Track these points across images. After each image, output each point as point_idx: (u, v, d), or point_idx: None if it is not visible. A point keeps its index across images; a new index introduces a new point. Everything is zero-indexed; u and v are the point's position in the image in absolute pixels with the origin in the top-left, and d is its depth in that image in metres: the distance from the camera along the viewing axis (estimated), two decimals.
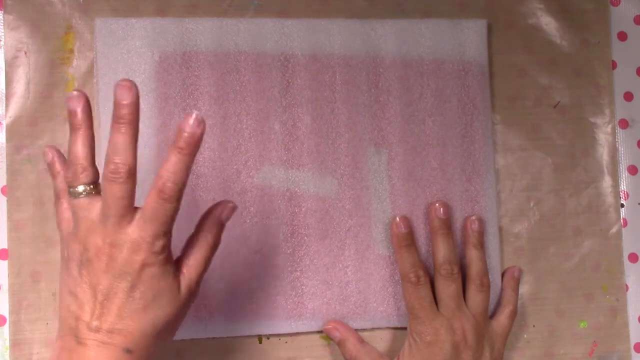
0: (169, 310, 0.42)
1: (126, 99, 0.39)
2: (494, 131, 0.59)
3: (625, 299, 0.59)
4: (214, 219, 0.44)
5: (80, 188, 0.42)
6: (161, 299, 0.41)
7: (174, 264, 0.43)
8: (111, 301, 0.40)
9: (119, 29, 0.53)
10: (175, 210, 0.40)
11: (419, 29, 0.57)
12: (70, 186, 0.42)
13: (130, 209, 0.40)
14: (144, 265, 0.40)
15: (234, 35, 0.55)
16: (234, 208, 0.45)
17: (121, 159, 0.39)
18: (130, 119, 0.40)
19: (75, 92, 0.41)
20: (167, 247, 0.41)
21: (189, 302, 0.44)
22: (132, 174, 0.40)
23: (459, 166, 0.57)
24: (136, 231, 0.40)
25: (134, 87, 0.39)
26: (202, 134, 0.39)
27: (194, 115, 0.39)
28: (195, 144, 0.39)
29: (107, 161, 0.40)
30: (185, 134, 0.39)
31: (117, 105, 0.40)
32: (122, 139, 0.40)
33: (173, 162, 0.39)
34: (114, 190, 0.40)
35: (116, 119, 0.40)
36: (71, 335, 0.41)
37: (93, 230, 0.41)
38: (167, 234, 0.41)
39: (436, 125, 0.57)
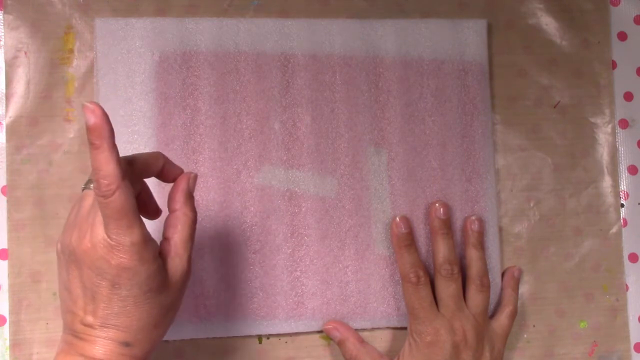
0: (162, 300, 0.41)
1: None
2: (494, 131, 0.59)
3: (625, 299, 0.59)
4: (185, 194, 0.43)
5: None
6: (152, 292, 0.40)
7: (158, 253, 0.41)
8: (99, 298, 0.39)
9: (119, 29, 0.53)
10: (124, 201, 0.38)
11: (419, 29, 0.57)
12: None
13: None
14: (120, 267, 0.39)
15: (234, 35, 0.55)
16: (196, 177, 0.45)
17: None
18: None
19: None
20: (139, 244, 0.39)
21: (183, 285, 0.42)
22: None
23: (459, 166, 0.57)
24: (105, 232, 0.39)
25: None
26: (102, 121, 0.37)
27: (87, 108, 0.37)
28: (102, 134, 0.37)
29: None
30: (89, 129, 0.37)
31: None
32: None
33: (94, 160, 0.38)
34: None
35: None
36: (69, 329, 0.40)
37: (80, 223, 0.40)
38: (131, 228, 0.38)
39: (436, 125, 0.57)
